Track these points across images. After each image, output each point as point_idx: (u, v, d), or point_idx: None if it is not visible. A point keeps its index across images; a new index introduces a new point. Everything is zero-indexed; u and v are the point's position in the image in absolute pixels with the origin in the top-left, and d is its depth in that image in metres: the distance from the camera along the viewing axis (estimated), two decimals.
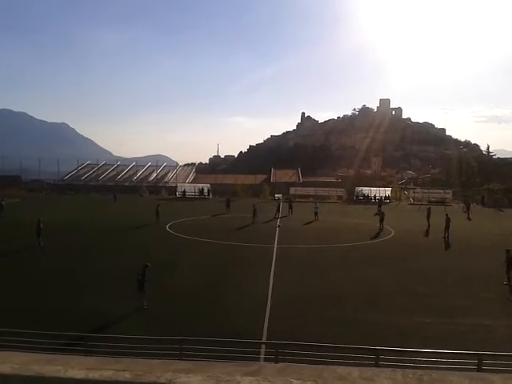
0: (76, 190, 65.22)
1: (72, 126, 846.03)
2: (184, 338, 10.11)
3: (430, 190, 65.21)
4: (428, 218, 34.94)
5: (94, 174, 76.75)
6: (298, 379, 2.46)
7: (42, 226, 25.48)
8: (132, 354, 6.97)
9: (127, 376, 2.52)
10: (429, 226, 34.05)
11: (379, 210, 45.47)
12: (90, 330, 11.49)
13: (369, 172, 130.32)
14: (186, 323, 13.66)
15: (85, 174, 77.10)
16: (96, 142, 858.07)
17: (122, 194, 58.87)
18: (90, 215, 39.61)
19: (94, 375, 2.54)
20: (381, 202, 52.46)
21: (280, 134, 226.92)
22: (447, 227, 29.87)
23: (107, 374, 2.54)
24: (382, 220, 33.86)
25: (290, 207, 43.26)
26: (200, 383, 2.43)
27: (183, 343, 9.92)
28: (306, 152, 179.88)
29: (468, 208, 44.39)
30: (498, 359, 9.52)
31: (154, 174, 78.14)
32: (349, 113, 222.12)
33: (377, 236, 31.25)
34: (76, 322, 13.20)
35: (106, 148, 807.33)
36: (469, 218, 41.60)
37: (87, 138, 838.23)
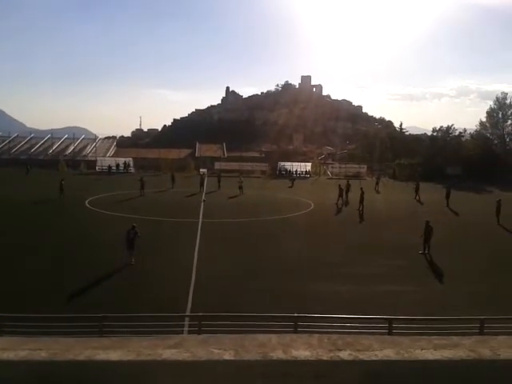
0: None
1: None
2: (105, 315, 9.87)
3: (347, 165, 68.11)
4: (347, 192, 35.39)
5: (6, 147, 71.09)
6: (219, 349, 2.54)
7: None
8: (50, 333, 6.72)
9: (43, 355, 2.46)
10: (340, 199, 34.29)
11: (292, 183, 48.71)
12: (3, 310, 10.84)
13: (291, 147, 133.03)
14: (108, 300, 13.34)
15: None
16: (7, 112, 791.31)
17: (37, 169, 55.43)
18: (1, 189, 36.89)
19: (8, 355, 2.45)
20: (292, 176, 56.13)
21: (205, 108, 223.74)
22: (361, 200, 31.16)
23: (22, 354, 2.46)
24: (361, 201, 31.29)
25: (219, 182, 43.26)
26: (120, 358, 2.43)
27: (104, 320, 9.70)
28: (231, 127, 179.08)
29: (377, 182, 47.10)
30: (407, 323, 10.37)
31: (72, 147, 74.09)
32: (272, 89, 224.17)
33: (360, 219, 29.50)
34: None
35: (18, 119, 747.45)
36: (377, 191, 44.12)
37: None
